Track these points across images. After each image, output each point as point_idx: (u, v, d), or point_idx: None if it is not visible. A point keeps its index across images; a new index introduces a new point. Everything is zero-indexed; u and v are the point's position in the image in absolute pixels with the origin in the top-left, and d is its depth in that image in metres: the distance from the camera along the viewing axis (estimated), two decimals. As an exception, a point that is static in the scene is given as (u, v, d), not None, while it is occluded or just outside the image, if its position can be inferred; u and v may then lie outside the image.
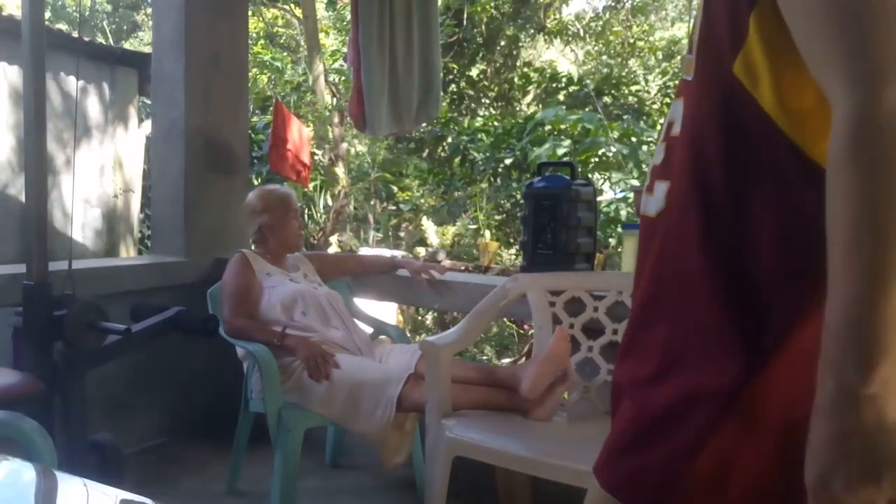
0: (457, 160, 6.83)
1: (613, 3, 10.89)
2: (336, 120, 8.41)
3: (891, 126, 0.65)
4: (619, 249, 5.08)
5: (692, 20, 0.89)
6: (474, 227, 7.63)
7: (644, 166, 6.11)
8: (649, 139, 6.75)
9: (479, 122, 8.01)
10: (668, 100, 8.05)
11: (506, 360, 6.47)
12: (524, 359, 5.71)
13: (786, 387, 0.75)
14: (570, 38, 10.54)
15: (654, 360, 0.86)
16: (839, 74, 0.68)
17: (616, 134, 6.47)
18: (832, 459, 0.66)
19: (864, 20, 0.68)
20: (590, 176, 6.42)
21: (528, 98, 9.58)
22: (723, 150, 0.81)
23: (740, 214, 0.79)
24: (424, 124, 4.72)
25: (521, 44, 9.95)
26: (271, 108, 5.83)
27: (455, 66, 9.14)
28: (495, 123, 6.93)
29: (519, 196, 6.15)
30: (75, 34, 7.53)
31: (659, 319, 0.87)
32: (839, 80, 0.68)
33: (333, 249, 7.53)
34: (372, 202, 8.34)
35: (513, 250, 7.45)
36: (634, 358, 0.90)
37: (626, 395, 0.90)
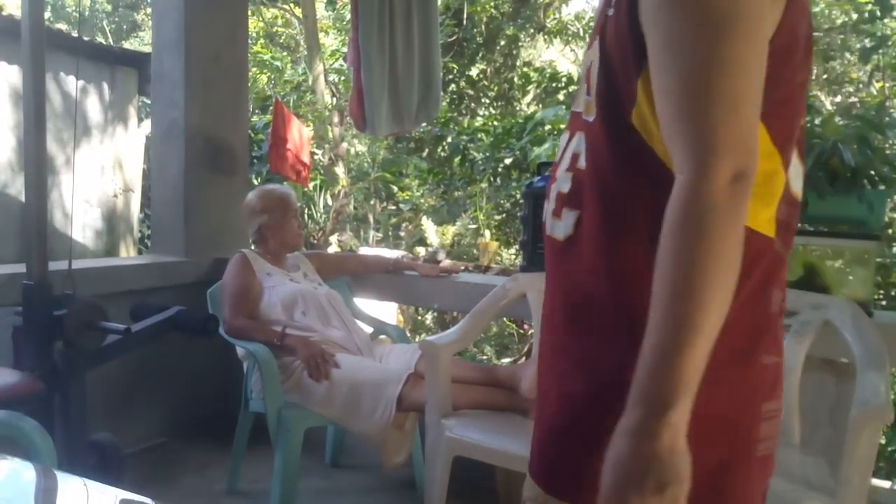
0: (457, 160, 6.80)
1: (613, 3, 10.86)
2: (336, 120, 8.40)
3: (714, 204, 0.74)
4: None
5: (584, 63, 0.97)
6: (474, 226, 7.61)
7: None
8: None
9: (479, 121, 7.98)
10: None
11: (506, 360, 6.46)
12: (524, 359, 5.71)
13: None
14: (569, 38, 10.51)
15: (571, 373, 0.95)
16: (680, 150, 0.77)
17: (616, 133, 6.44)
18: (631, 474, 0.75)
19: (707, 103, 0.76)
20: (589, 175, 6.38)
21: (528, 98, 9.56)
22: (627, 189, 0.88)
23: (643, 248, 0.85)
24: (424, 124, 4.71)
25: (520, 44, 9.93)
26: (271, 108, 5.82)
27: (455, 65, 9.12)
28: (495, 123, 6.91)
29: (519, 196, 6.13)
30: (75, 34, 7.53)
31: (571, 335, 0.96)
32: (680, 154, 0.77)
33: (333, 249, 7.53)
34: (372, 202, 8.33)
35: (513, 250, 7.44)
36: (552, 370, 1.00)
37: (548, 404, 1.00)
